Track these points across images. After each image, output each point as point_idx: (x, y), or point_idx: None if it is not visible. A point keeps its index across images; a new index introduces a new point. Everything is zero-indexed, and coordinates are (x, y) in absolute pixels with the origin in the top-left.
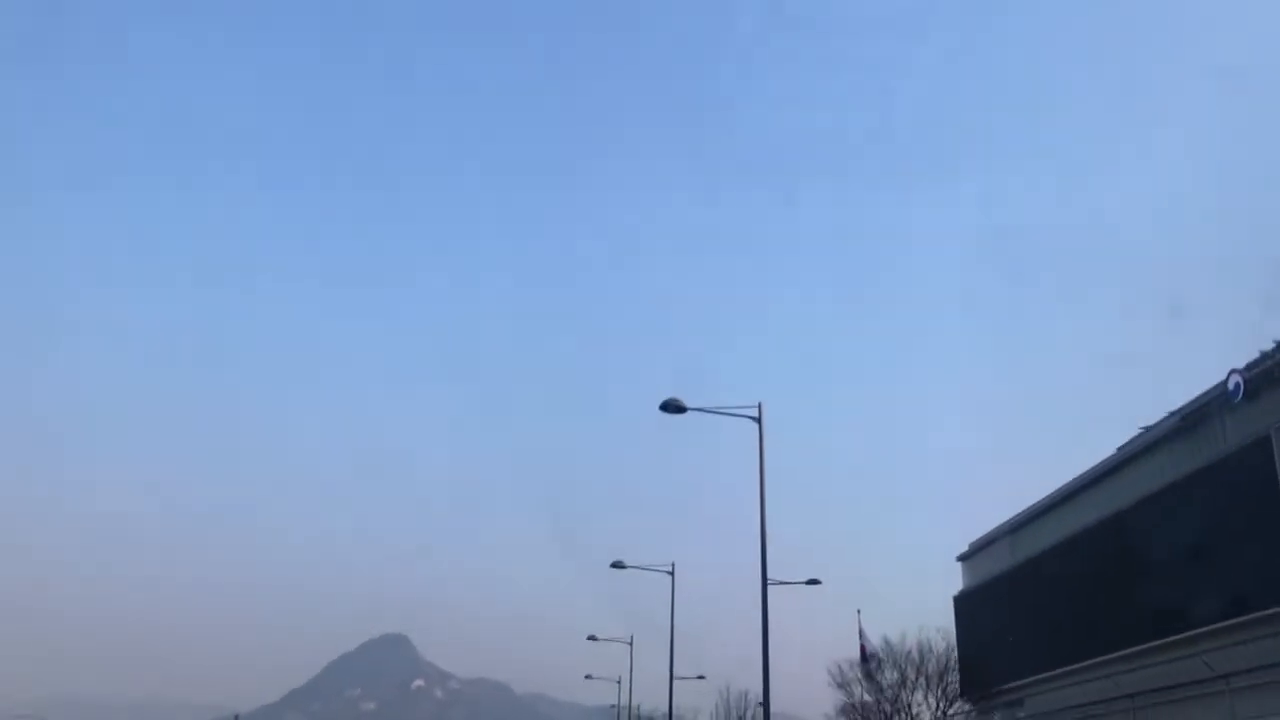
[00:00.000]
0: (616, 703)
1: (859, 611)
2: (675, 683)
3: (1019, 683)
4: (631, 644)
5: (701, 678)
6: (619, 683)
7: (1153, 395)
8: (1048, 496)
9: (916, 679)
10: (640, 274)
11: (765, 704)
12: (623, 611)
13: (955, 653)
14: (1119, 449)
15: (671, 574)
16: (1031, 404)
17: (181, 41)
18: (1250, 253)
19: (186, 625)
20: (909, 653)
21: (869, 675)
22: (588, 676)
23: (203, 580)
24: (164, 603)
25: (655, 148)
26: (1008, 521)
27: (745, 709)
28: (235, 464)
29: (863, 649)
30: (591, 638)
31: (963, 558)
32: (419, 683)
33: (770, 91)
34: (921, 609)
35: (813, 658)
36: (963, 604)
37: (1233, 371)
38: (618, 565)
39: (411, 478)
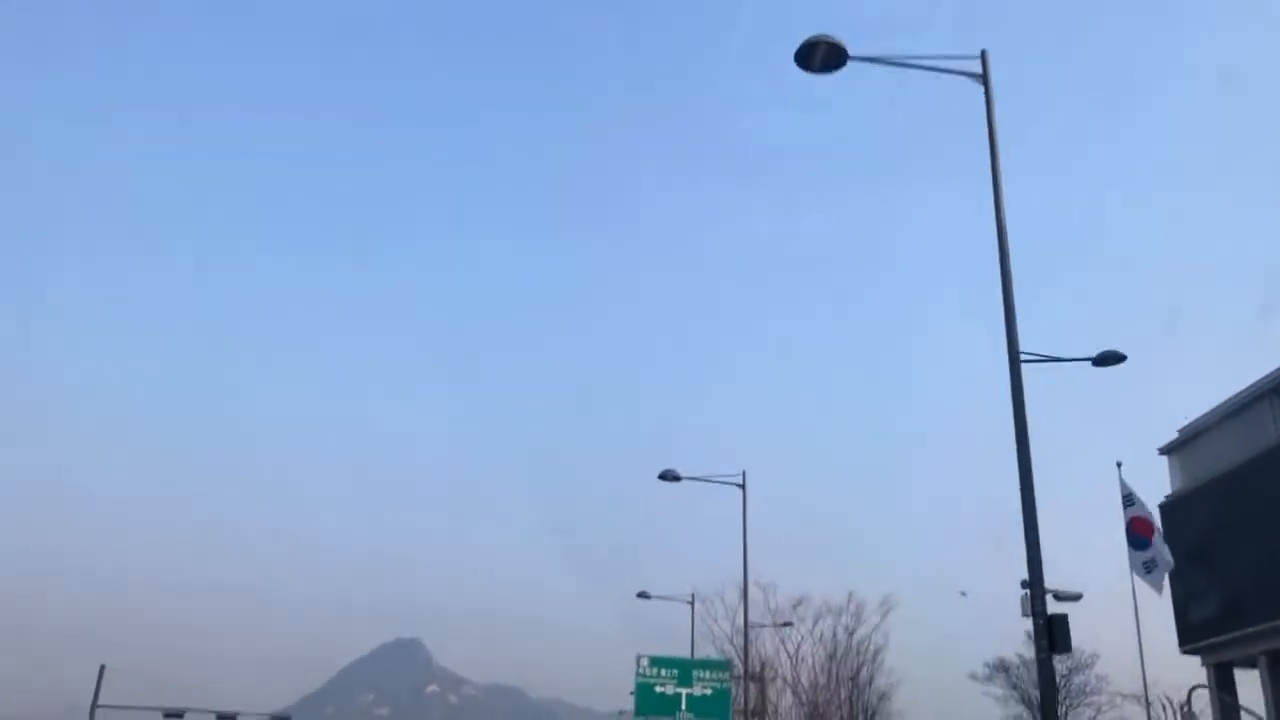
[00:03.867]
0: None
1: (1119, 465)
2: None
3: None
4: (693, 603)
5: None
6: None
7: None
8: None
9: None
10: (640, 274)
11: None
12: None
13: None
14: None
15: (742, 486)
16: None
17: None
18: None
19: (198, 631)
20: None
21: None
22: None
23: (214, 585)
24: (174, 608)
25: (654, 149)
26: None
27: None
28: (245, 466)
29: (1140, 525)
30: (643, 594)
31: (1170, 449)
32: (433, 688)
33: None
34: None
35: None
36: (1174, 513)
37: None
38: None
39: (424, 481)
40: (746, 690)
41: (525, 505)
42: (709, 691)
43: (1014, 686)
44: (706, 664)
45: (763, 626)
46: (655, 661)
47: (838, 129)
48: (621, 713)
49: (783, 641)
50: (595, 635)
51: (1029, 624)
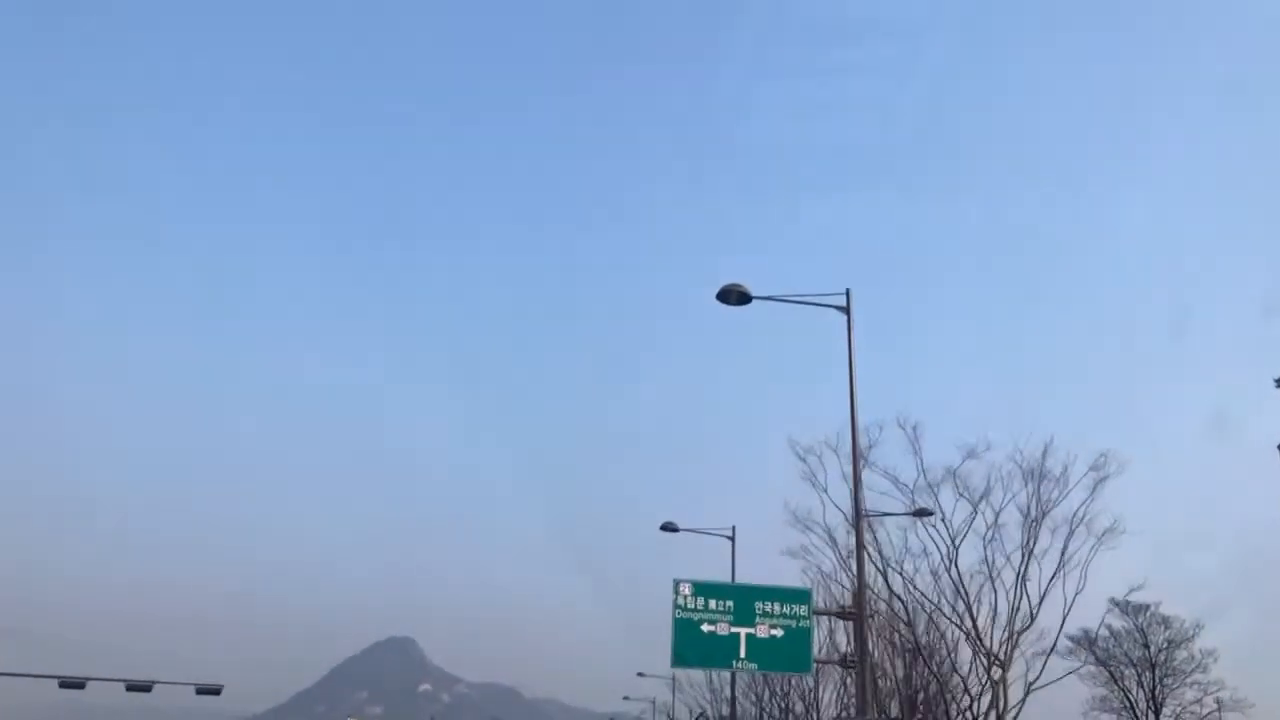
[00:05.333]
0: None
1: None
2: None
3: None
4: (734, 536)
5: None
6: (653, 703)
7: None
8: None
9: None
10: (641, 274)
11: None
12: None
13: None
14: None
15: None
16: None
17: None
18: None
19: (191, 628)
20: None
21: None
22: (639, 674)
23: (207, 583)
24: (167, 606)
25: (657, 150)
26: None
27: None
28: (239, 463)
29: None
30: (669, 526)
31: None
32: (425, 686)
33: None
34: None
35: None
36: None
37: None
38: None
39: (419, 479)
40: (860, 630)
41: (521, 505)
42: (779, 632)
43: (1100, 662)
44: (777, 594)
45: (884, 516)
46: (702, 589)
47: None
48: (614, 716)
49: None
50: (590, 635)
51: None
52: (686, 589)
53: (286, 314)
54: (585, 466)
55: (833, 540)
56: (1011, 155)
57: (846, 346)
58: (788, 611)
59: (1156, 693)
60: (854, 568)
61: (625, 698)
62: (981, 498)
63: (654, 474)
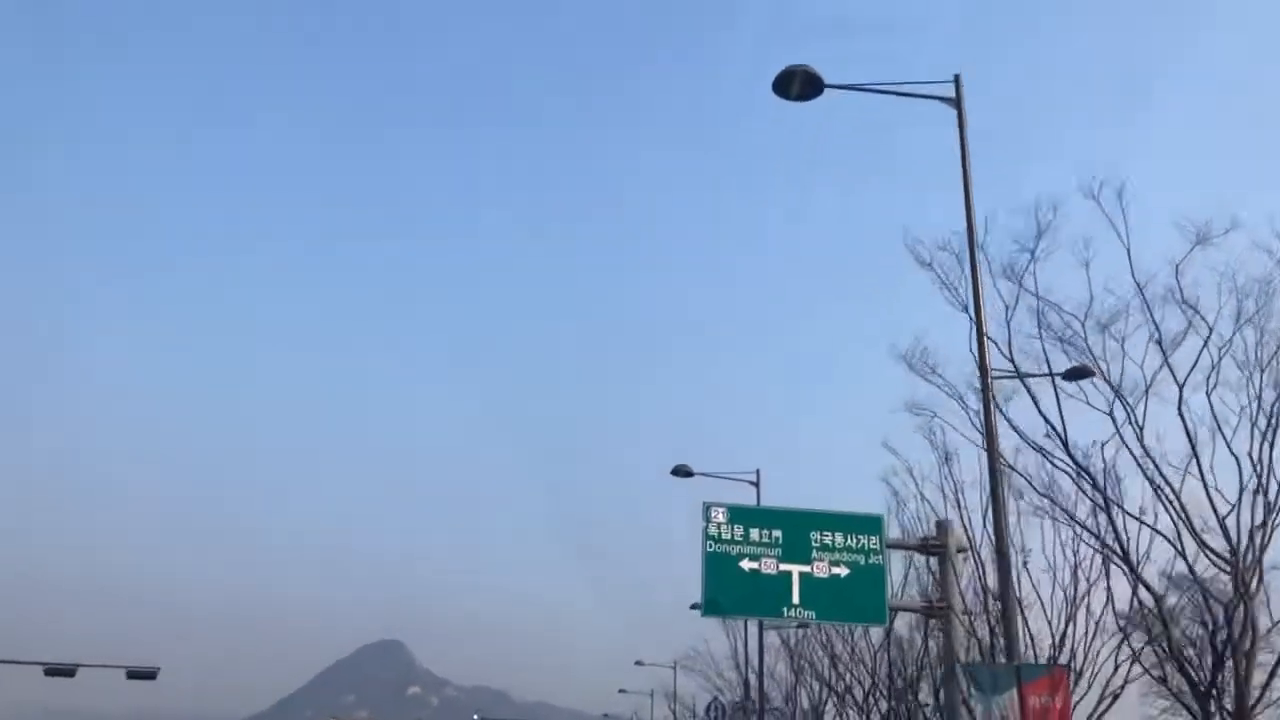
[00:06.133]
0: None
1: None
2: None
3: None
4: (759, 482)
5: None
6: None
7: None
8: None
9: None
10: (645, 272)
11: None
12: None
13: None
14: None
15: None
16: None
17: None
18: None
19: (176, 631)
20: None
21: None
22: (638, 662)
23: (193, 585)
24: (153, 609)
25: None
26: None
27: None
28: (226, 464)
29: None
30: (682, 470)
31: None
32: (414, 690)
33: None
34: None
35: None
36: None
37: None
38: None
39: (407, 481)
40: (1006, 572)
41: (514, 507)
42: (843, 571)
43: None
44: (840, 521)
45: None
46: (741, 515)
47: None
48: (605, 715)
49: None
50: (581, 637)
51: None
52: (720, 514)
53: (286, 311)
54: (581, 464)
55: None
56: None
57: (960, 150)
58: (853, 544)
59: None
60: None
61: (621, 690)
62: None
63: (657, 461)
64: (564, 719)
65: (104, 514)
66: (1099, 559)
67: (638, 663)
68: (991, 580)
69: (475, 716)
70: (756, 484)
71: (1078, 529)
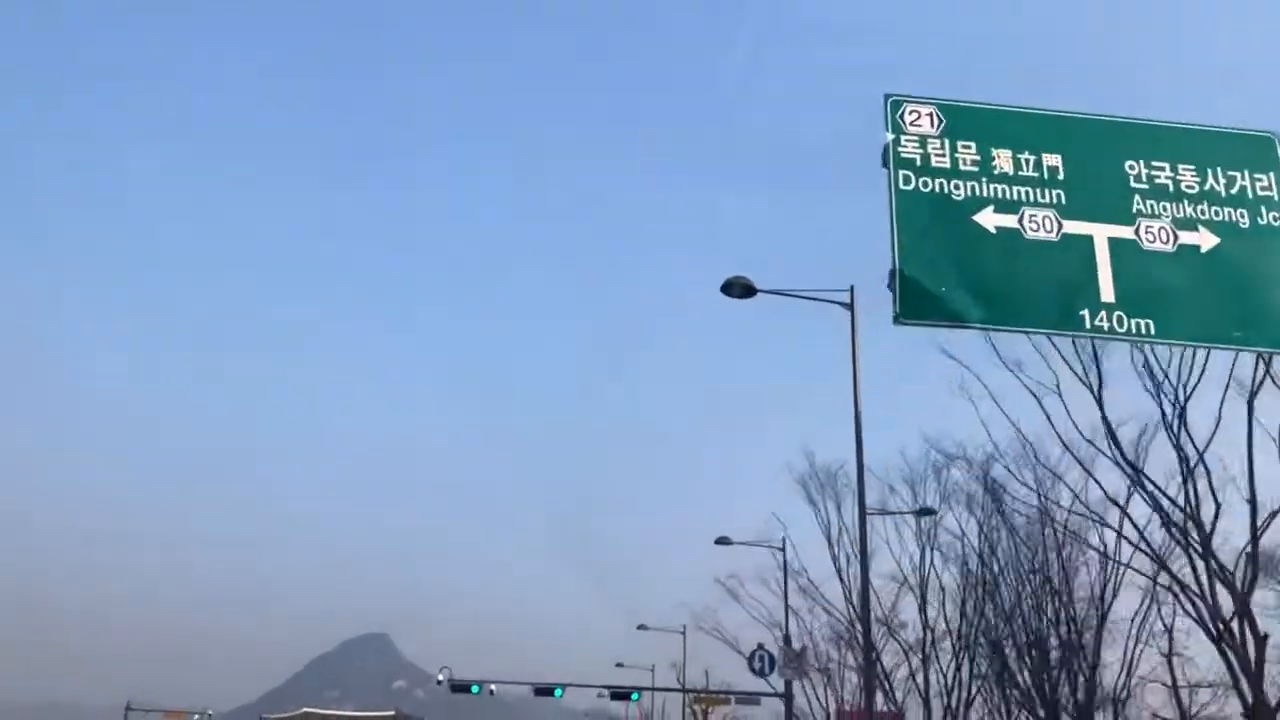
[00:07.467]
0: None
1: None
2: None
3: None
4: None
5: None
6: (652, 669)
7: None
8: None
9: None
10: (649, 272)
11: None
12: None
13: None
14: None
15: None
16: None
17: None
18: None
19: (160, 625)
20: None
21: None
22: (640, 626)
23: (177, 577)
24: (137, 601)
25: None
26: None
27: None
28: (211, 460)
29: None
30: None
31: None
32: (400, 683)
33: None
34: None
35: None
36: None
37: None
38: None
39: (395, 473)
40: None
41: (505, 501)
42: (1206, 239)
43: None
44: (1190, 141)
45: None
46: (967, 121)
47: None
48: (587, 714)
49: None
50: (571, 628)
51: None
52: (926, 117)
53: (284, 310)
54: (575, 461)
55: None
56: None
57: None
58: (1223, 186)
59: None
60: None
61: (618, 664)
62: None
63: (643, 459)
64: (551, 712)
65: (92, 510)
66: None
67: (640, 627)
68: None
69: (441, 673)
70: (850, 305)
71: None
